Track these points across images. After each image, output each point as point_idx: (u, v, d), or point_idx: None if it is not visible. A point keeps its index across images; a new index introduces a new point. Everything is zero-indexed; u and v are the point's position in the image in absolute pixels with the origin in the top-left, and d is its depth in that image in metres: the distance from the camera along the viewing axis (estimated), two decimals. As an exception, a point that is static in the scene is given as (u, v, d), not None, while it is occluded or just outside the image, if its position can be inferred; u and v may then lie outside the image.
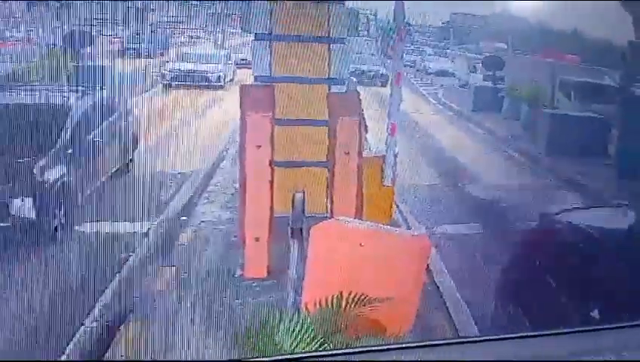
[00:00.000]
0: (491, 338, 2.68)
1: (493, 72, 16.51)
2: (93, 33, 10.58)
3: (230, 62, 17.22)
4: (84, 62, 10.45)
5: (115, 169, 9.55)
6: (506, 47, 18.13)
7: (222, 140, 12.57)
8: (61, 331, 6.06)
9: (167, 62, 15.62)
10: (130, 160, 10.18)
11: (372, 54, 17.92)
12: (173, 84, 14.84)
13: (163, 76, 14.99)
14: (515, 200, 10.50)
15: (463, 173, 12.18)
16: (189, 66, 15.61)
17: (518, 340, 2.58)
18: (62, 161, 8.38)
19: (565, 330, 2.70)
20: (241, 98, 7.67)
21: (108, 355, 5.88)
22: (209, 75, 16.01)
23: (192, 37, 16.95)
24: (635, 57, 12.07)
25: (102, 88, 9.62)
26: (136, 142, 10.32)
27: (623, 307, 5.16)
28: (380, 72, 17.22)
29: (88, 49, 10.40)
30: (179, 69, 15.27)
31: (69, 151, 8.53)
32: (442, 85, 18.90)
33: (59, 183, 8.22)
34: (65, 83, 9.76)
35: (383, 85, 15.81)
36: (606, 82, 14.42)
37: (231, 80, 16.92)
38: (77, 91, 9.45)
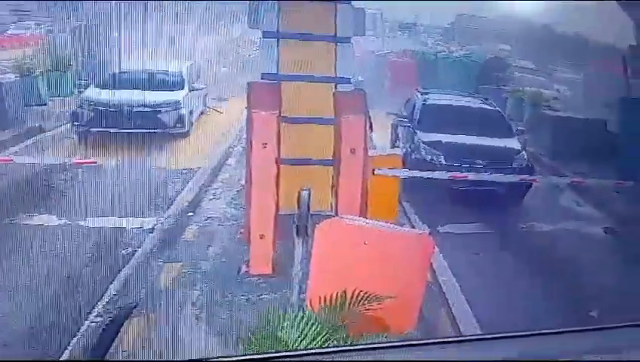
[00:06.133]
0: (493, 336, 2.71)
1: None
2: None
3: (201, 86, 10.17)
4: None
5: None
6: (509, 48, 17.99)
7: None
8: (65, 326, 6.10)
9: (86, 86, 9.14)
10: None
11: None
12: (94, 130, 8.45)
13: (75, 116, 8.88)
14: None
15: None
16: (125, 96, 8.67)
17: (521, 339, 2.61)
18: None
19: (568, 329, 2.73)
20: (248, 95, 7.71)
21: (111, 351, 5.91)
22: (162, 112, 9.01)
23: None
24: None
25: None
26: None
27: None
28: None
29: None
30: (106, 102, 8.57)
31: None
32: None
33: None
34: None
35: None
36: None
37: (201, 114, 10.33)
38: None
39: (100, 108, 8.56)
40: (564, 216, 10.10)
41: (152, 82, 8.89)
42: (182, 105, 9.24)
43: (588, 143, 11.31)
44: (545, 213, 10.33)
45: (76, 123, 8.73)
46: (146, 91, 8.68)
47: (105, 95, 8.62)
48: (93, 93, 8.83)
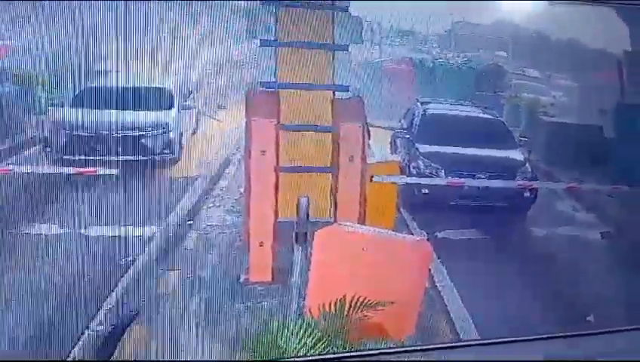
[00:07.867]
0: (491, 341, 2.74)
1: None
2: None
3: (191, 102, 8.77)
4: None
5: None
6: (506, 55, 18.04)
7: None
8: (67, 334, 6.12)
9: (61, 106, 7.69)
10: None
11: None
12: (67, 157, 7.54)
13: (47, 142, 7.81)
14: None
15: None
16: (104, 118, 7.37)
17: (518, 343, 2.65)
18: None
19: (565, 334, 2.77)
20: (246, 103, 7.75)
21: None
22: (147, 136, 8.02)
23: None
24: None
25: None
26: None
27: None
28: None
29: None
30: (81, 126, 7.51)
31: None
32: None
33: None
34: None
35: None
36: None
37: (194, 133, 9.10)
38: None
39: (75, 132, 7.54)
40: (561, 221, 10.13)
41: (136, 100, 7.49)
42: (170, 128, 8.22)
43: (583, 148, 11.35)
44: (542, 218, 10.36)
45: (47, 149, 7.70)
46: (128, 111, 7.50)
47: (80, 116, 7.44)
48: (67, 114, 7.67)
